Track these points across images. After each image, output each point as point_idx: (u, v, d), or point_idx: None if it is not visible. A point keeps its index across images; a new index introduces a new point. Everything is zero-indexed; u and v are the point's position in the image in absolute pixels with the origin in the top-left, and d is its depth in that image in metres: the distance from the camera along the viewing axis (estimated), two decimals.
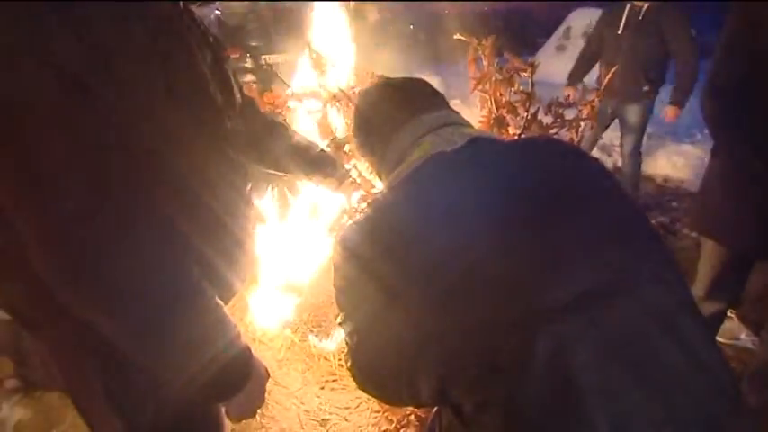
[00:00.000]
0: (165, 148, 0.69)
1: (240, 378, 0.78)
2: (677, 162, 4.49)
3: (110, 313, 0.65)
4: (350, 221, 0.87)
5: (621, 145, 3.56)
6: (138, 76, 0.64)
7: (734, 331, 2.40)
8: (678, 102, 3.24)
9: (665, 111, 3.37)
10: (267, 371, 0.86)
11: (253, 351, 0.80)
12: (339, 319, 0.88)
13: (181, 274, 0.68)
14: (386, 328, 0.77)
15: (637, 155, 3.53)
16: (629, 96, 3.29)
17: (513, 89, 1.57)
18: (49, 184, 0.58)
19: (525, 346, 0.65)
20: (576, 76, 3.60)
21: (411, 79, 1.03)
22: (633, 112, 3.35)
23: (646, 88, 3.25)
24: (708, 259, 1.84)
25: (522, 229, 0.73)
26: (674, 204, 4.01)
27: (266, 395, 0.88)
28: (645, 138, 4.87)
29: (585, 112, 1.63)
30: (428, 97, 0.97)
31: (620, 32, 3.17)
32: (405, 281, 0.73)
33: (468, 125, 0.94)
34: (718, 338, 2.40)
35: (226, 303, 0.81)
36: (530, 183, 0.78)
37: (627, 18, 3.13)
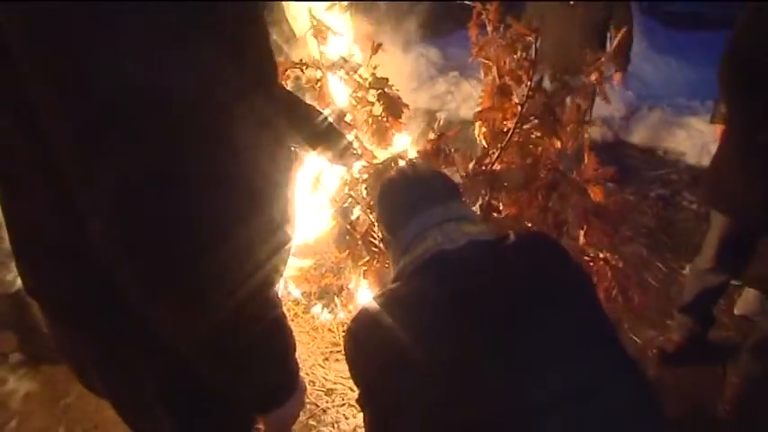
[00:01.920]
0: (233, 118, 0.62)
1: (284, 391, 0.79)
2: (678, 134, 4.46)
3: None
4: (363, 306, 0.96)
5: None
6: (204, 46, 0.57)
7: (753, 304, 2.42)
8: (624, 67, 3.49)
9: (615, 76, 3.50)
10: (304, 400, 0.87)
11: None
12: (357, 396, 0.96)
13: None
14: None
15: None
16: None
17: (516, 55, 1.54)
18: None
19: None
20: None
21: (432, 172, 1.17)
22: None
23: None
24: (716, 233, 1.85)
25: (506, 333, 0.82)
26: (674, 177, 4.01)
27: None
28: (645, 110, 4.86)
29: (594, 77, 1.60)
30: (441, 191, 1.09)
31: (571, 3, 3.21)
32: (402, 375, 0.83)
33: (470, 220, 1.05)
34: (737, 312, 2.44)
35: None
36: (514, 287, 0.89)
37: None
